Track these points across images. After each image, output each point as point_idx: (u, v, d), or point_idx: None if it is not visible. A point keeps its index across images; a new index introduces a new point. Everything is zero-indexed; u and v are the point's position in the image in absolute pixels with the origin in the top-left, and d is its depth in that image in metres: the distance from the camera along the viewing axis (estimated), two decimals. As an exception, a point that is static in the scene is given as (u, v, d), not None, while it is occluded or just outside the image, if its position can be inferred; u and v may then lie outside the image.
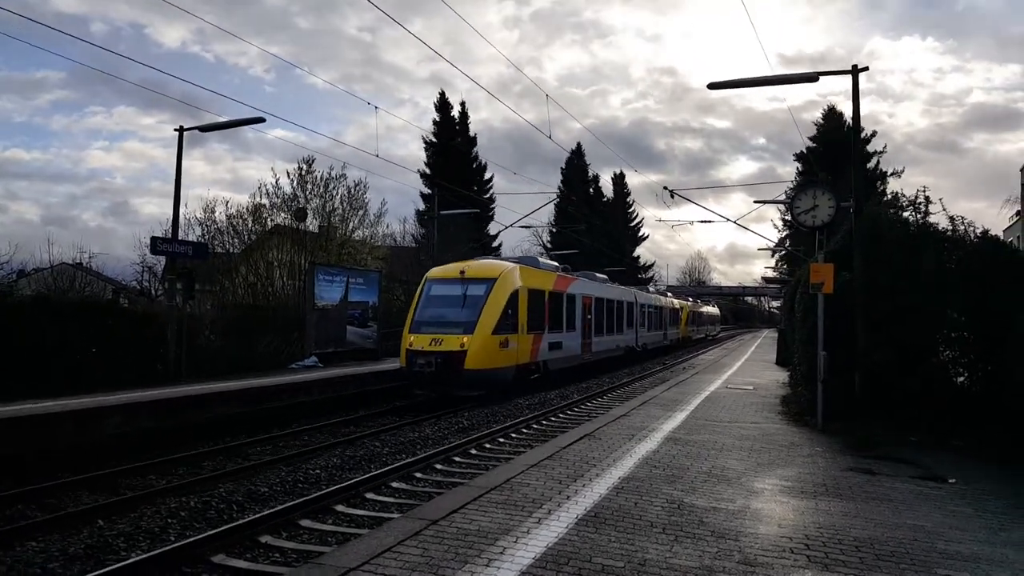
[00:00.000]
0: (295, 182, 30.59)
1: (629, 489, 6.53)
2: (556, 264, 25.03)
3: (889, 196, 14.94)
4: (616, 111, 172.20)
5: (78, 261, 30.17)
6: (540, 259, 23.29)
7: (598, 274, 30.46)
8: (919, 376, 9.95)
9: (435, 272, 19.76)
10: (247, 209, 28.94)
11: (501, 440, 12.49)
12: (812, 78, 12.45)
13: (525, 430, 13.57)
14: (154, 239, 18.38)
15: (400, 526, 5.27)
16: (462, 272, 18.63)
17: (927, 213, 11.16)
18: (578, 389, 20.97)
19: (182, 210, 20.38)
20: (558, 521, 5.44)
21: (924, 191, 11.29)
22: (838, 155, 32.46)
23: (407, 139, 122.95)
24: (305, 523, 7.52)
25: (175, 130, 18.65)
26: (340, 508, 8.11)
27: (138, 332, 17.16)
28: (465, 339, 16.87)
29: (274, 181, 30.05)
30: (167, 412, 12.73)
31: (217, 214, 28.15)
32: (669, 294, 50.62)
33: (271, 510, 7.63)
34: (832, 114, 48.06)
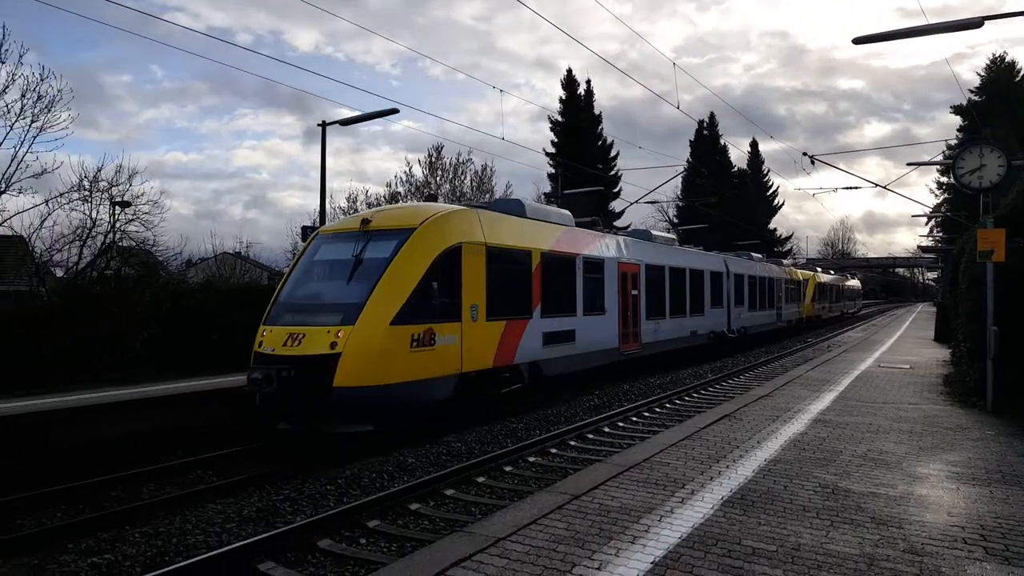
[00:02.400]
0: (426, 169, 31.86)
1: (777, 472, 6.28)
2: (565, 213, 16.63)
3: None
4: (730, 79, 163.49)
5: (237, 251, 33.17)
6: (528, 203, 15.12)
7: (658, 232, 22.57)
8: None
9: (330, 226, 13.20)
10: (385, 197, 30.60)
11: (634, 419, 12.39)
12: (974, 24, 11.14)
13: (658, 409, 13.38)
14: (304, 228, 19.79)
15: (543, 499, 5.38)
16: (366, 222, 11.46)
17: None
18: (712, 368, 20.32)
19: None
20: (702, 502, 5.33)
21: None
22: (1007, 108, 29.01)
23: (517, 123, 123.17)
24: (449, 492, 7.89)
25: (318, 125, 19.92)
26: (481, 480, 8.43)
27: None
28: (341, 333, 9.78)
29: (407, 169, 31.50)
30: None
31: (359, 204, 30.01)
32: (785, 262, 41.10)
33: (417, 480, 8.06)
34: (998, 63, 43.12)
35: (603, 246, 16.77)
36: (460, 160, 33.23)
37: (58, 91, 15.27)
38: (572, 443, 10.49)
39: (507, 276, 12.73)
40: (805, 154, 19.87)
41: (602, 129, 48.94)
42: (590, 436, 10.98)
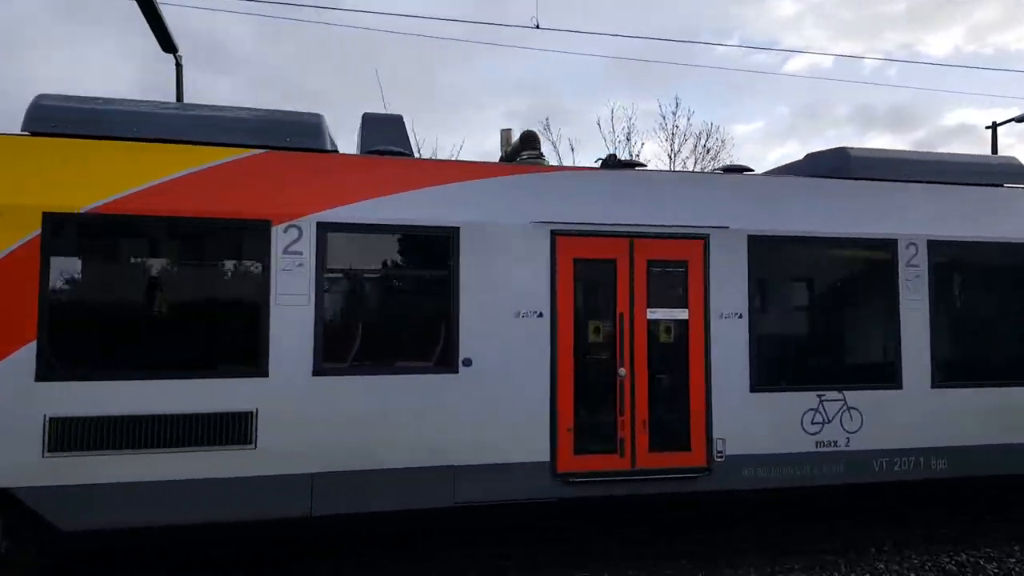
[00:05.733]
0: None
1: None
2: (235, 111, 6.09)
3: None
4: None
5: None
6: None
7: (884, 149, 7.98)
8: None
9: None
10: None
11: None
12: None
13: None
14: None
15: None
16: None
17: None
18: None
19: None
20: None
21: None
22: None
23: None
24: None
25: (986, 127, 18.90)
26: None
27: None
28: None
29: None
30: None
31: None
32: None
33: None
34: None
35: (452, 193, 6.06)
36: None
37: (721, 142, 19.13)
38: None
39: None
40: None
41: None
42: None
